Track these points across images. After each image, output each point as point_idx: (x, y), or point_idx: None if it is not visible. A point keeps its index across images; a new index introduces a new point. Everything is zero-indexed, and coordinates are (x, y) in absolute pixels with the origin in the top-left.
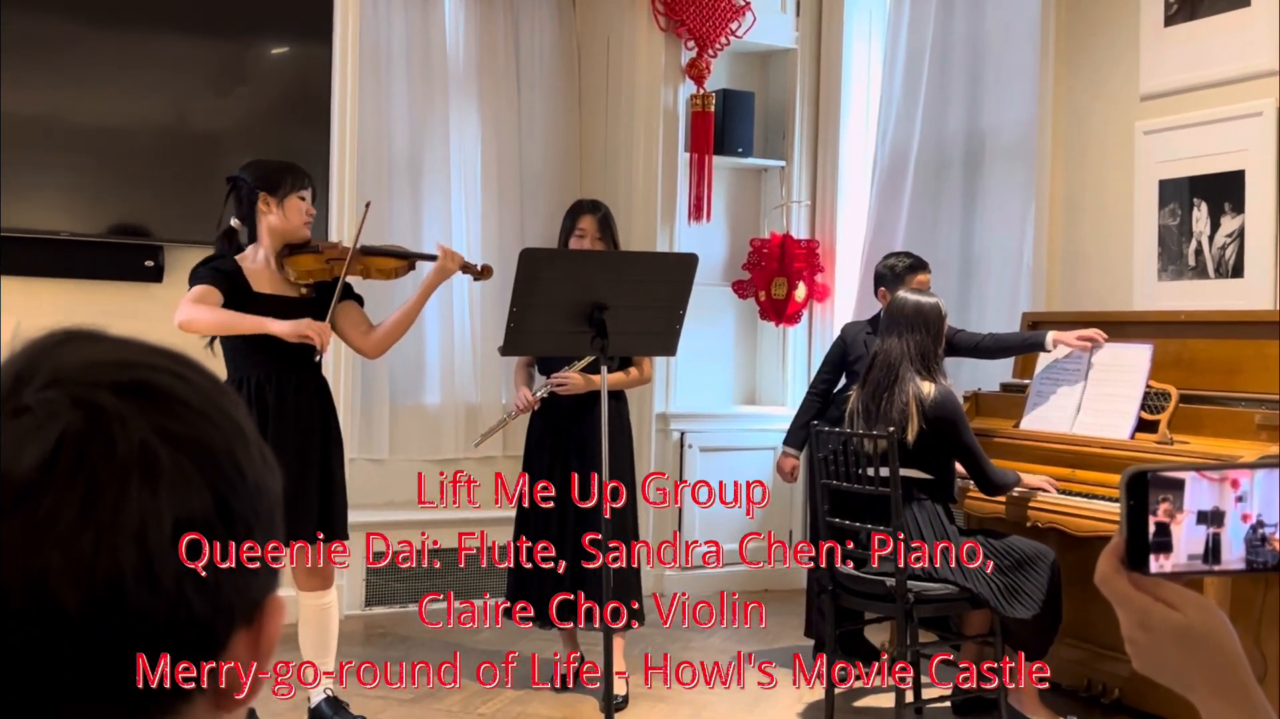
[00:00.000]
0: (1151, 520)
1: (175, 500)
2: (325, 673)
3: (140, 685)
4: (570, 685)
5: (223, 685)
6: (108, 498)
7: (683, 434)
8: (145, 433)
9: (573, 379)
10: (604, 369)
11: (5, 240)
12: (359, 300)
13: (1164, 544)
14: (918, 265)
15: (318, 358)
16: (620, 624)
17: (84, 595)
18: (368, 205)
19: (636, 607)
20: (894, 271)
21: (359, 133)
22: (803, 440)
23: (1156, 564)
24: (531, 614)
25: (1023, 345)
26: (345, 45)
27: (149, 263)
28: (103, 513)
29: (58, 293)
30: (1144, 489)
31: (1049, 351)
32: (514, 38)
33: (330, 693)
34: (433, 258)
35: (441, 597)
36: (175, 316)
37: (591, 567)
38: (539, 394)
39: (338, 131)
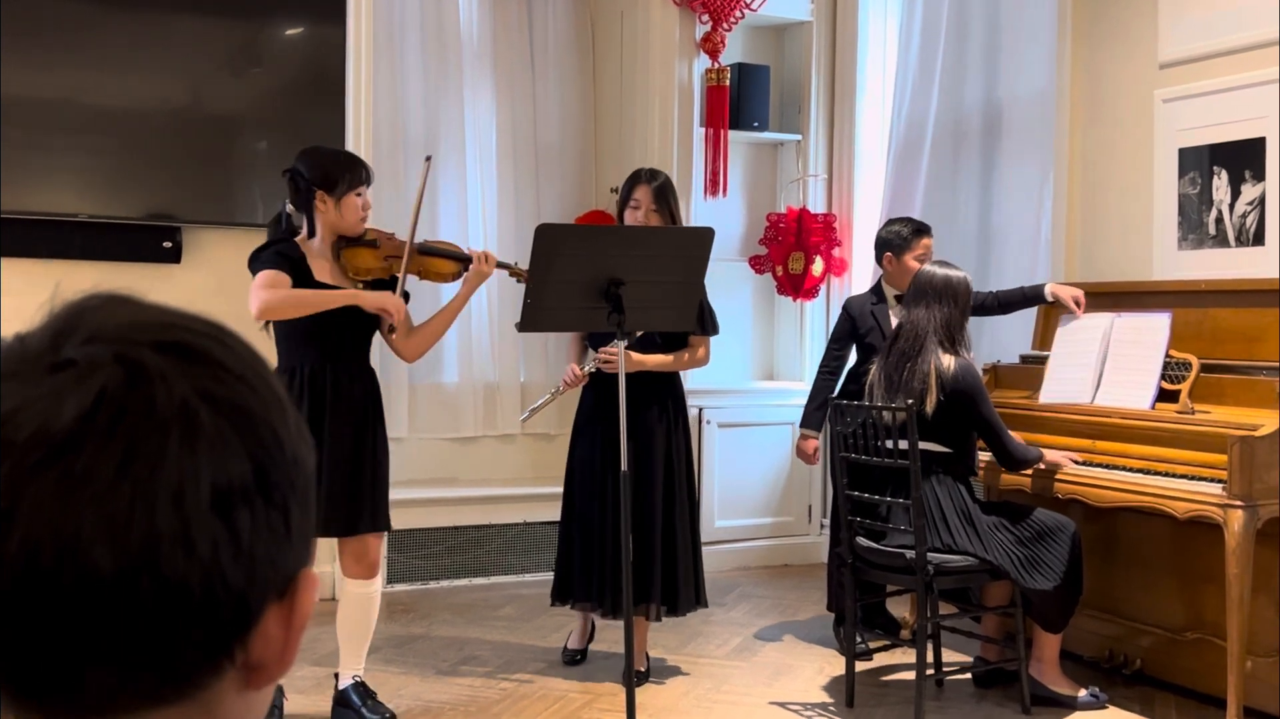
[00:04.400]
0: None
1: (214, 462)
2: (356, 660)
3: (171, 654)
4: (581, 660)
5: (253, 660)
6: (146, 455)
7: (700, 410)
8: (186, 392)
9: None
10: (621, 345)
11: (23, 223)
12: (406, 297)
13: None
14: (921, 229)
15: (389, 328)
16: (686, 611)
17: (117, 556)
18: (428, 160)
19: (700, 591)
20: (900, 237)
21: (374, 112)
22: (820, 420)
23: None
24: (587, 607)
25: (1024, 300)
26: (359, 25)
27: (167, 244)
28: (140, 470)
29: (76, 275)
30: None
31: (1049, 303)
32: (528, 15)
33: (358, 678)
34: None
35: (462, 573)
36: (251, 305)
37: (655, 555)
38: (587, 369)
39: (352, 111)
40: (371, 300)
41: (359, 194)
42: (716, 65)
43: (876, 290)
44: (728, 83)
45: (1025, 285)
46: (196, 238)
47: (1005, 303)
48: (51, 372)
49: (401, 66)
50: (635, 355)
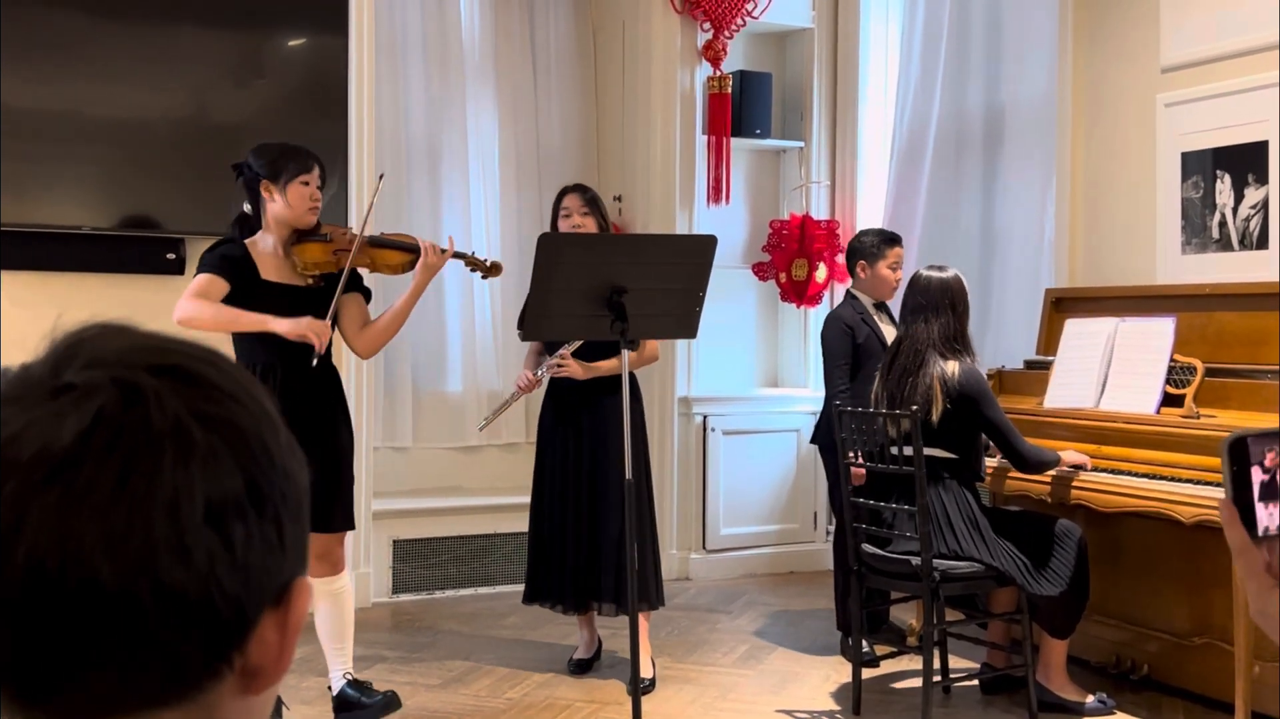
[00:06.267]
0: (1257, 472)
1: (207, 478)
2: (342, 659)
3: (171, 659)
4: (589, 671)
5: (251, 665)
6: (142, 471)
7: (705, 418)
8: (180, 411)
9: (570, 365)
10: (625, 353)
11: (26, 236)
12: (367, 294)
13: (1273, 492)
14: (893, 238)
15: (314, 361)
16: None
17: (118, 568)
18: (380, 178)
19: (655, 590)
20: (872, 246)
21: (376, 122)
22: None
23: (1265, 521)
24: (552, 605)
25: None
26: (361, 35)
27: (170, 256)
28: (137, 485)
29: (80, 287)
30: (1245, 453)
31: None
32: (529, 24)
33: (350, 675)
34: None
35: (468, 583)
36: (175, 311)
37: (607, 553)
38: (540, 374)
39: (355, 121)
40: (289, 328)
41: (305, 183)
42: (718, 73)
43: (854, 299)
44: (730, 90)
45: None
46: (199, 249)
47: None
48: (52, 396)
49: (404, 76)
50: (580, 364)
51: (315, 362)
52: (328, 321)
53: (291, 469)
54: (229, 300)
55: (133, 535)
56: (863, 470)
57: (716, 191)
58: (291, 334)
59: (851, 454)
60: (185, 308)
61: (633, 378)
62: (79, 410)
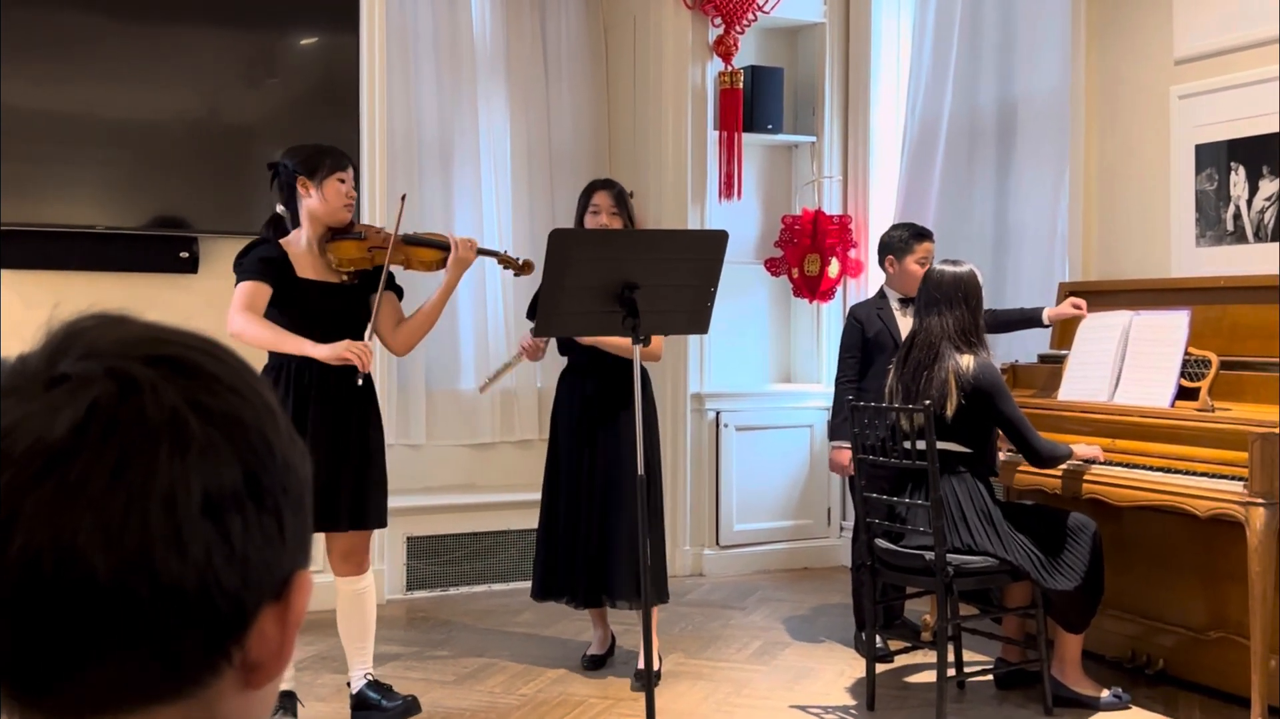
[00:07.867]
0: None
1: (204, 470)
2: (363, 659)
3: (169, 654)
4: (602, 667)
5: (251, 659)
6: (138, 464)
7: (718, 414)
8: (176, 402)
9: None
10: (637, 349)
11: (42, 235)
12: (399, 292)
13: None
14: (922, 233)
15: (360, 380)
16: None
17: (113, 561)
18: (403, 198)
19: (664, 584)
20: (900, 240)
21: (389, 120)
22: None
23: None
24: (566, 601)
25: (1021, 322)
26: (373, 34)
27: (184, 254)
28: (133, 477)
29: (94, 286)
30: None
31: (1046, 327)
32: (540, 21)
33: (371, 676)
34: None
35: (481, 579)
36: (228, 323)
37: (617, 547)
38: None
39: (367, 120)
40: (328, 353)
41: (342, 180)
42: (729, 68)
43: (881, 295)
44: (741, 85)
45: (1025, 306)
46: (213, 248)
47: (1002, 323)
48: (47, 387)
49: (415, 74)
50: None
51: (360, 381)
52: (368, 343)
53: (292, 461)
54: (272, 301)
55: (128, 529)
56: (847, 458)
57: (728, 187)
58: (331, 359)
59: (844, 443)
60: (238, 322)
61: (644, 373)
62: (73, 402)
